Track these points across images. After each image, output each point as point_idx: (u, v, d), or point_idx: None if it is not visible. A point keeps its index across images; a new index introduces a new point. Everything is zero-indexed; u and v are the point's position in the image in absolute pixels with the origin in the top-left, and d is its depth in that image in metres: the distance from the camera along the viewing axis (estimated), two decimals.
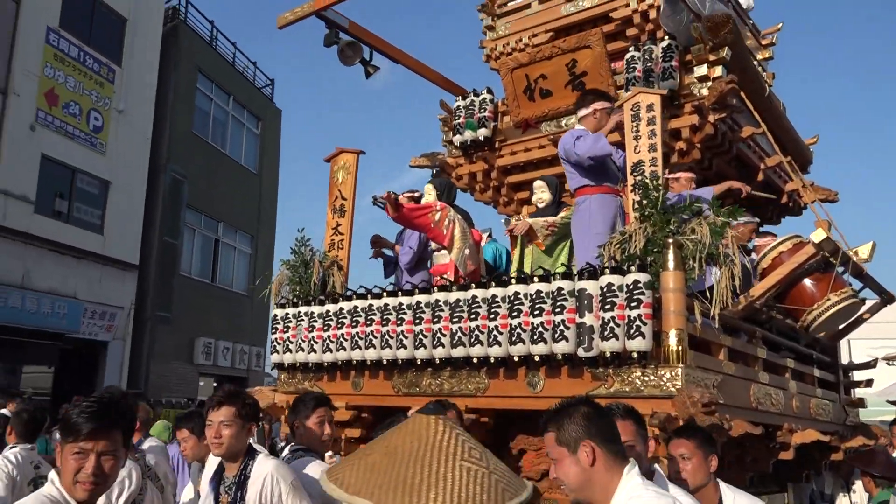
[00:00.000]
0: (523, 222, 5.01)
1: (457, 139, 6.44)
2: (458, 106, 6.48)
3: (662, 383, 3.60)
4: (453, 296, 4.25)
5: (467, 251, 5.36)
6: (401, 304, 4.47)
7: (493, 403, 4.25)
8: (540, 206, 5.41)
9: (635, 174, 4.07)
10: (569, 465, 2.11)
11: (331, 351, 4.81)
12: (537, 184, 5.38)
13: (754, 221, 5.57)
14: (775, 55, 7.45)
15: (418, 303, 4.39)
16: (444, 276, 5.12)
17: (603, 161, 4.65)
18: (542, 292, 3.88)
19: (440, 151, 6.81)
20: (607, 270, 3.70)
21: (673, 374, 3.57)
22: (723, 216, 3.74)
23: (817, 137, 7.04)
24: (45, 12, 14.03)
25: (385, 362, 4.54)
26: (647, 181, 3.91)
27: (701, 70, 5.31)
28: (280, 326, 5.18)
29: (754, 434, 4.82)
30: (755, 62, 6.86)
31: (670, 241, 3.72)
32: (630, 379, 3.71)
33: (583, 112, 4.93)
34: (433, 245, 5.63)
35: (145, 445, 5.08)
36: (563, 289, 3.80)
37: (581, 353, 3.72)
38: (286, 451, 3.73)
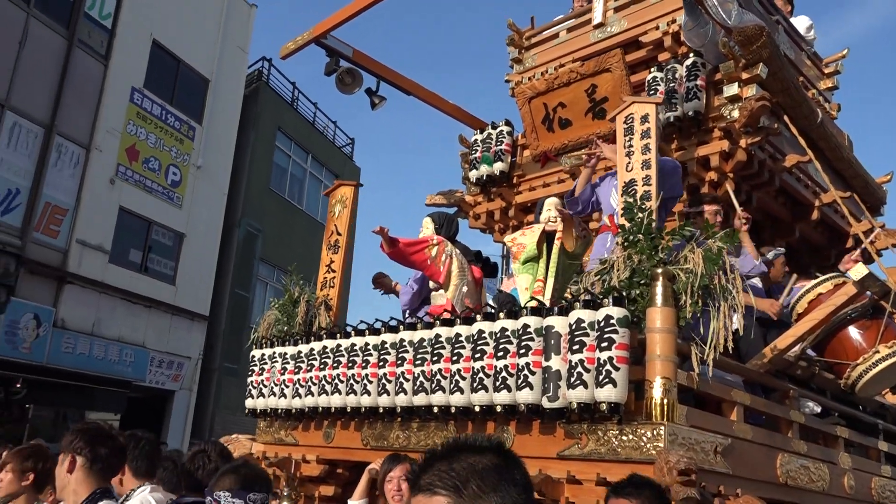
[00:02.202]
0: (566, 211, 4.45)
1: (472, 175, 5.99)
2: (476, 140, 6.06)
3: (642, 444, 2.92)
4: (417, 335, 3.73)
5: (465, 289, 4.84)
6: (366, 344, 3.99)
7: None
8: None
9: (626, 195, 3.48)
10: None
11: (299, 396, 4.37)
12: (550, 201, 4.80)
13: (781, 253, 4.76)
14: (844, 87, 6.66)
15: (383, 343, 3.90)
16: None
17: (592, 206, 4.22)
18: (507, 330, 3.31)
19: (459, 189, 6.38)
20: (577, 304, 3.10)
21: (654, 433, 2.89)
22: (720, 240, 3.08)
23: (892, 175, 6.14)
24: (131, 73, 14.78)
25: (349, 410, 4.04)
26: (631, 200, 3.30)
27: (731, 90, 4.68)
28: (256, 369, 4.79)
29: None
30: (813, 90, 6.11)
31: (659, 271, 3.09)
32: (606, 437, 3.05)
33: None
34: (432, 284, 5.13)
35: None
36: (528, 326, 3.22)
37: (546, 402, 3.10)
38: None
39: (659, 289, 3.07)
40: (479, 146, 6.02)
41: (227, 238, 17.09)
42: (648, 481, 2.38)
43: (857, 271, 3.40)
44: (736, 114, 4.66)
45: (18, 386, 12.39)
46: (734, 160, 4.67)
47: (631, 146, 3.59)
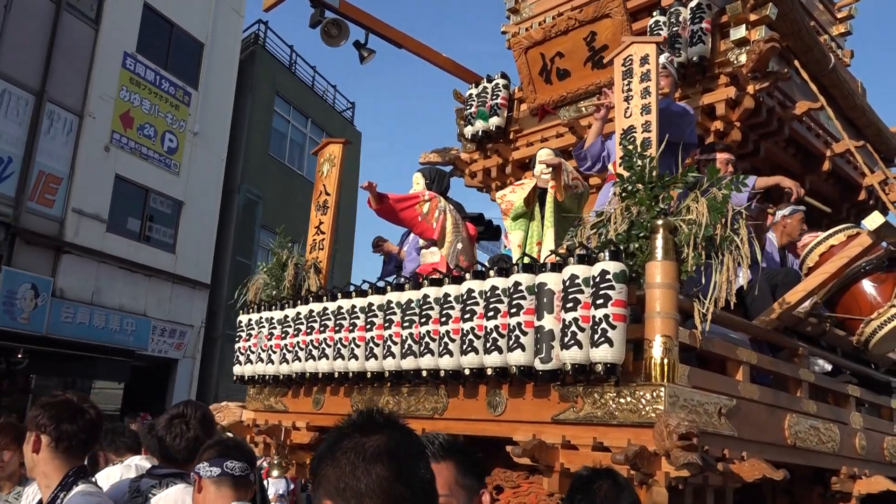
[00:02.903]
0: (557, 160, 4.22)
1: (467, 131, 5.75)
2: (471, 94, 5.80)
3: (641, 407, 2.73)
4: (405, 296, 3.54)
5: (459, 245, 4.63)
6: (353, 306, 3.80)
7: (451, 427, 3.45)
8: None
9: (625, 143, 3.24)
10: None
11: (287, 362, 4.20)
12: (541, 153, 4.56)
13: (800, 210, 4.54)
14: (858, 32, 6.33)
15: (370, 305, 3.71)
16: None
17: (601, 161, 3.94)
18: (497, 289, 3.11)
19: (454, 146, 6.13)
20: (572, 259, 2.89)
21: (654, 394, 2.70)
22: (724, 187, 2.85)
23: None
24: (123, 38, 14.44)
25: (336, 376, 3.87)
26: (630, 146, 3.07)
27: (739, 32, 4.42)
28: (243, 335, 4.62)
29: (803, 479, 3.82)
30: (825, 35, 5.81)
31: (659, 222, 2.87)
32: (603, 400, 2.86)
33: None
34: (422, 242, 4.92)
35: None
36: (520, 284, 3.02)
37: (538, 364, 2.91)
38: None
39: (659, 241, 2.85)
40: (473, 101, 5.77)
41: (227, 205, 16.89)
42: (610, 476, 2.17)
43: (873, 220, 3.17)
44: (743, 58, 4.40)
45: (20, 356, 12.35)
46: (741, 108, 4.42)
47: (630, 90, 3.34)
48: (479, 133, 5.66)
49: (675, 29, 4.51)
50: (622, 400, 2.79)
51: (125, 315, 13.92)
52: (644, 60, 3.31)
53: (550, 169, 4.19)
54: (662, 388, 2.67)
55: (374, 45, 5.71)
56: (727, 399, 2.96)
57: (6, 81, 12.09)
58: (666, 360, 2.72)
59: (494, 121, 5.58)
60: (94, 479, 2.47)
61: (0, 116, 11.99)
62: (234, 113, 17.31)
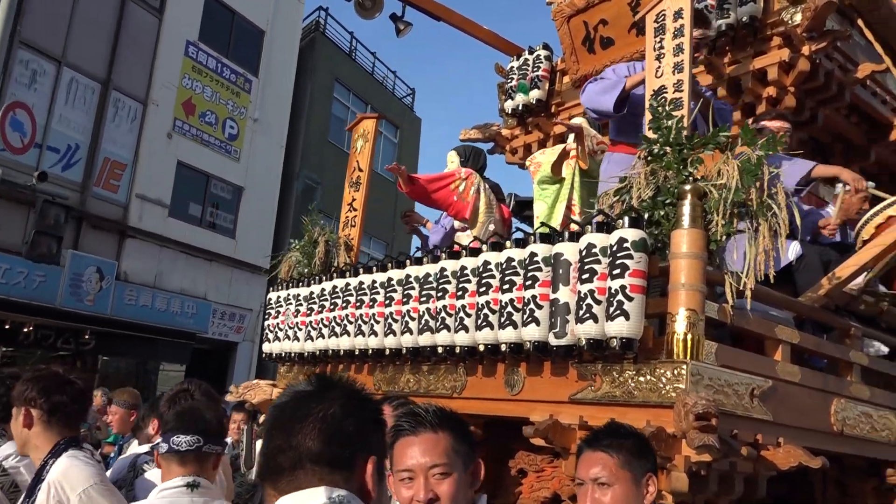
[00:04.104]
0: (577, 124, 3.94)
1: (508, 105, 5.55)
2: (511, 67, 5.60)
3: (661, 385, 2.52)
4: (423, 270, 3.40)
5: (492, 227, 4.46)
6: (373, 281, 3.69)
7: (470, 407, 3.31)
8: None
9: (654, 103, 3.00)
10: None
11: (311, 339, 4.13)
12: (576, 121, 4.29)
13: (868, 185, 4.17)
14: None
15: (389, 280, 3.59)
16: None
17: (631, 115, 3.60)
18: (513, 260, 2.93)
19: (496, 122, 5.94)
20: (590, 228, 2.69)
21: (675, 372, 2.49)
22: (761, 147, 2.59)
23: None
24: (186, 26, 14.75)
25: (357, 353, 3.77)
26: (658, 106, 2.83)
27: None
28: (273, 312, 4.58)
29: (855, 469, 3.52)
30: None
31: (687, 188, 2.64)
32: (622, 378, 2.66)
33: None
34: (458, 224, 4.77)
35: None
36: (536, 255, 2.83)
37: (552, 339, 2.73)
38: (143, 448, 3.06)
39: (686, 208, 2.62)
40: (514, 74, 5.56)
41: (286, 190, 17.11)
42: (632, 431, 2.00)
43: None
44: (798, 17, 4.06)
45: (87, 337, 12.81)
46: (796, 71, 4.09)
47: (662, 48, 3.09)
48: (520, 107, 5.45)
49: None
50: (642, 378, 2.58)
51: (186, 298, 14.27)
52: (678, 15, 3.06)
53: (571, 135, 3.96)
54: (684, 366, 2.45)
55: (413, 18, 5.57)
56: (762, 380, 2.71)
57: (73, 70, 12.50)
58: (690, 336, 2.50)
59: (535, 94, 5.37)
60: (89, 448, 2.43)
61: (68, 105, 12.41)
62: (293, 100, 17.50)
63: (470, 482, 1.73)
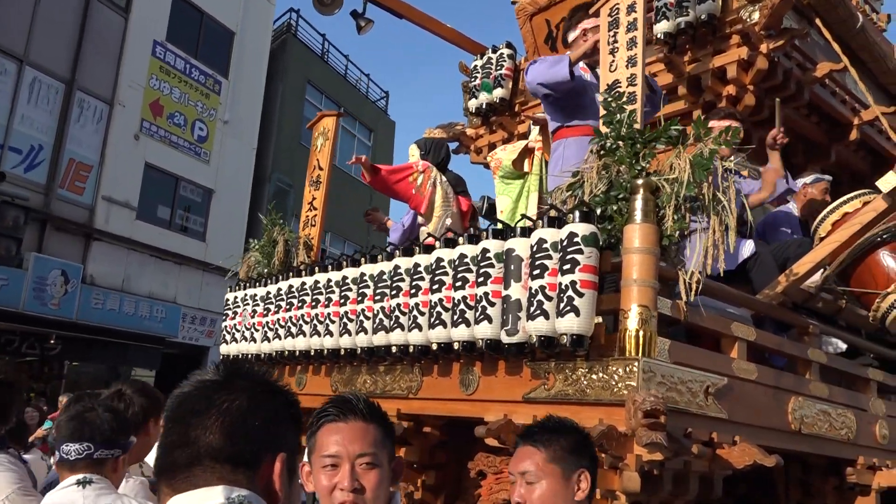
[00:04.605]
0: (541, 116, 3.90)
1: (471, 104, 5.49)
2: (475, 66, 5.54)
3: (613, 383, 2.47)
4: (377, 268, 3.33)
5: (448, 221, 4.41)
6: (329, 280, 3.61)
7: (426, 407, 3.25)
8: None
9: (608, 97, 2.96)
10: None
11: (268, 340, 4.04)
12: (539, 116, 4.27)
13: (825, 179, 4.19)
14: None
15: (344, 278, 3.51)
16: None
17: (568, 91, 3.55)
18: (466, 257, 2.87)
19: (460, 121, 5.89)
20: (541, 223, 2.64)
21: (627, 369, 2.44)
22: (713, 141, 2.56)
23: None
24: (153, 26, 14.53)
25: (313, 353, 3.69)
26: (611, 101, 2.79)
27: None
28: (230, 313, 4.48)
29: (817, 468, 3.50)
30: None
31: (639, 182, 2.60)
32: (574, 376, 2.61)
33: (571, 36, 3.86)
34: (420, 220, 4.71)
35: None
36: (488, 251, 2.78)
37: (504, 337, 2.67)
38: None
39: (639, 203, 2.58)
40: (478, 73, 5.51)
41: (258, 193, 16.91)
42: (569, 426, 1.95)
43: (887, 181, 2.84)
44: (756, 15, 4.06)
45: (52, 342, 12.55)
46: (754, 69, 4.08)
47: (616, 42, 3.06)
48: (483, 106, 5.40)
49: None
50: (594, 376, 2.53)
51: (155, 302, 14.04)
52: (631, 8, 3.03)
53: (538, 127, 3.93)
54: (636, 363, 2.41)
55: (378, 16, 5.51)
56: (717, 377, 2.67)
57: (36, 70, 12.25)
58: (642, 332, 2.45)
59: (498, 92, 5.32)
60: (14, 451, 2.32)
61: (30, 105, 12.16)
62: (265, 102, 17.33)
63: (391, 479, 1.67)
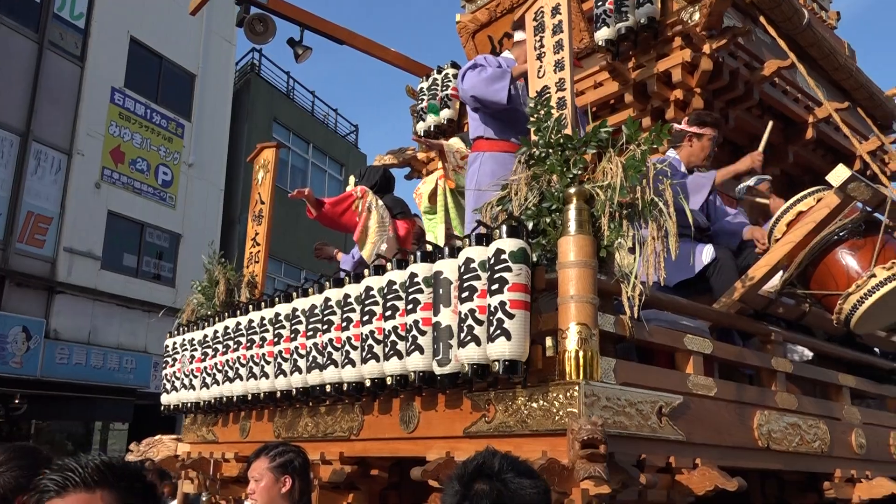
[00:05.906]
0: (437, 141, 3.72)
1: (420, 127, 5.33)
2: (421, 88, 5.39)
3: (554, 411, 2.25)
4: (308, 302, 3.10)
5: (384, 246, 4.20)
6: (262, 318, 3.38)
7: (368, 449, 3.01)
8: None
9: (537, 105, 2.77)
10: None
11: (206, 386, 3.78)
12: (453, 141, 4.12)
13: (766, 179, 4.04)
14: None
15: (277, 315, 3.28)
16: None
17: (500, 110, 3.38)
18: (394, 283, 2.66)
19: (410, 146, 5.72)
20: (468, 241, 2.44)
21: (568, 395, 2.22)
22: (644, 142, 2.38)
23: None
24: (110, 73, 14.32)
25: (250, 398, 3.44)
26: (539, 106, 2.61)
27: None
28: (169, 360, 4.22)
29: (794, 485, 3.29)
30: None
31: (571, 191, 2.41)
32: (514, 406, 2.38)
33: (518, 36, 3.67)
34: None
35: None
36: (416, 275, 2.57)
37: (436, 368, 2.45)
38: None
39: (572, 213, 2.38)
40: (424, 95, 5.36)
41: (228, 235, 16.63)
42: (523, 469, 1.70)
43: (837, 175, 2.67)
44: (697, 16, 3.93)
45: (17, 402, 12.10)
46: (699, 71, 3.95)
47: (542, 46, 2.89)
48: (432, 128, 5.24)
49: None
50: (534, 404, 2.31)
51: (124, 353, 13.64)
52: (555, 11, 2.87)
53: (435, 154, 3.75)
54: (576, 387, 2.19)
55: (313, 42, 5.34)
56: (671, 396, 2.46)
57: None
58: (582, 353, 2.24)
59: (446, 113, 5.16)
60: None
61: None
62: (231, 142, 17.14)
63: None
